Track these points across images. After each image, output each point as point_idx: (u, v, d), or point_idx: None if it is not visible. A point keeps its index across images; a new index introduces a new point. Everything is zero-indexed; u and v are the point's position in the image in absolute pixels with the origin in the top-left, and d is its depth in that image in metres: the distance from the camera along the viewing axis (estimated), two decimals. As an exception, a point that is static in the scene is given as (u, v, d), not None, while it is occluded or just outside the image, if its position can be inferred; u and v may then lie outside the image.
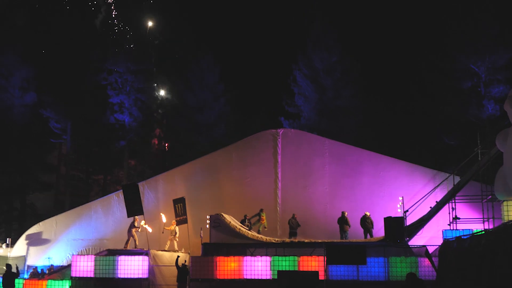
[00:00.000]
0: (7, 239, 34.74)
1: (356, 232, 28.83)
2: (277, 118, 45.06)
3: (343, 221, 28.77)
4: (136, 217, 28.99)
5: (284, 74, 45.76)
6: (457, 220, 26.43)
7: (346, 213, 28.89)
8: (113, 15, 57.44)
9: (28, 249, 33.14)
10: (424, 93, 41.09)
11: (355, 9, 52.30)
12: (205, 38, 55.09)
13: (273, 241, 27.20)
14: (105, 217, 33.20)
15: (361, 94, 44.39)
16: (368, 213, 28.62)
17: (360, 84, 44.36)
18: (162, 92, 58.27)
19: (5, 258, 32.09)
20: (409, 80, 43.27)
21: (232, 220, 28.10)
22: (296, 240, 27.88)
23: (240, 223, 28.97)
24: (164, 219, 30.21)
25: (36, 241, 33.27)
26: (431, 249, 24.43)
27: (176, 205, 30.74)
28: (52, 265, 31.49)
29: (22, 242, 33.28)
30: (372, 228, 28.47)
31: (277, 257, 25.02)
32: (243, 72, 54.47)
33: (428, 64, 40.76)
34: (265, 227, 29.98)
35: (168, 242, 29.66)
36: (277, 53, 52.87)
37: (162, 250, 28.61)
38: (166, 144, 52.47)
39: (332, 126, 42.39)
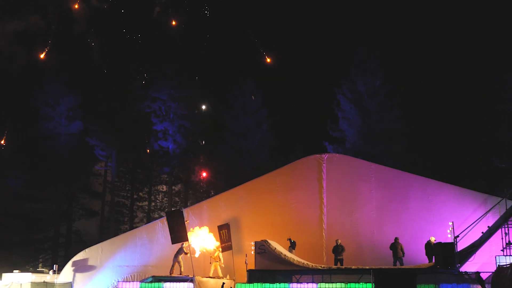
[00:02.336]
0: (54, 265, 35.05)
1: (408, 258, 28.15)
2: (321, 143, 44.56)
3: (395, 246, 28.10)
4: (187, 243, 29.04)
5: (328, 98, 45.39)
6: (511, 245, 25.62)
7: (398, 239, 28.21)
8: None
9: (74, 275, 33.29)
10: (472, 115, 40.26)
11: (398, 31, 51.64)
12: (247, 63, 55.09)
13: (319, 267, 26.79)
14: (150, 243, 33.19)
15: (406, 117, 43.64)
16: (433, 238, 27.60)
17: (405, 107, 43.66)
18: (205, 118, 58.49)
19: (52, 284, 32.37)
20: (457, 101, 42.46)
21: (277, 246, 27.77)
22: (343, 267, 27.37)
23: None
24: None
25: (82, 267, 33.40)
26: (484, 276, 23.71)
27: (221, 232, 30.72)
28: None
29: (68, 268, 33.47)
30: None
31: (324, 284, 24.63)
32: (286, 98, 54.23)
33: (476, 85, 39.98)
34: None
35: (212, 268, 29.50)
36: (320, 77, 52.46)
37: (207, 277, 28.42)
38: (204, 174, 52.26)
39: (377, 150, 41.68)
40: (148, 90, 49.41)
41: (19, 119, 50.22)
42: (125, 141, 48.85)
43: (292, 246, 29.47)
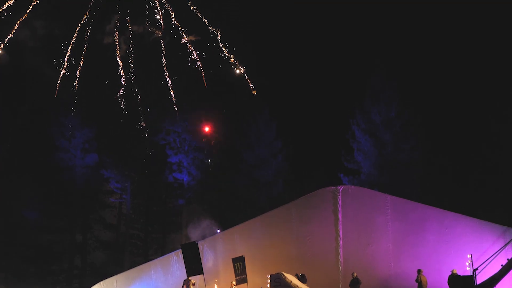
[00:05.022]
0: (68, 298, 34.98)
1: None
2: (336, 175, 44.34)
3: (419, 280, 27.67)
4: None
5: (342, 129, 45.28)
6: (532, 279, 25.24)
7: (422, 271, 27.77)
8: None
9: (88, 308, 33.20)
10: (490, 144, 39.98)
11: (413, 61, 51.64)
12: (262, 93, 55.31)
13: (336, 301, 26.48)
14: (164, 276, 33.02)
15: (423, 147, 43.34)
16: (455, 271, 27.03)
17: (421, 137, 43.36)
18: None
19: (66, 317, 32.25)
20: (474, 131, 42.20)
21: (293, 279, 27.51)
22: (360, 300, 27.07)
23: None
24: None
25: (96, 300, 33.30)
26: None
27: (236, 264, 30.44)
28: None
29: (83, 301, 33.42)
30: None
31: (341, 318, 24.27)
32: (300, 129, 54.16)
33: (494, 114, 39.78)
34: None
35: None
36: (334, 108, 52.44)
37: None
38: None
39: (393, 182, 41.40)
40: (162, 122, 49.65)
41: (35, 150, 50.50)
42: (140, 173, 49.03)
43: (302, 280, 29.11)
